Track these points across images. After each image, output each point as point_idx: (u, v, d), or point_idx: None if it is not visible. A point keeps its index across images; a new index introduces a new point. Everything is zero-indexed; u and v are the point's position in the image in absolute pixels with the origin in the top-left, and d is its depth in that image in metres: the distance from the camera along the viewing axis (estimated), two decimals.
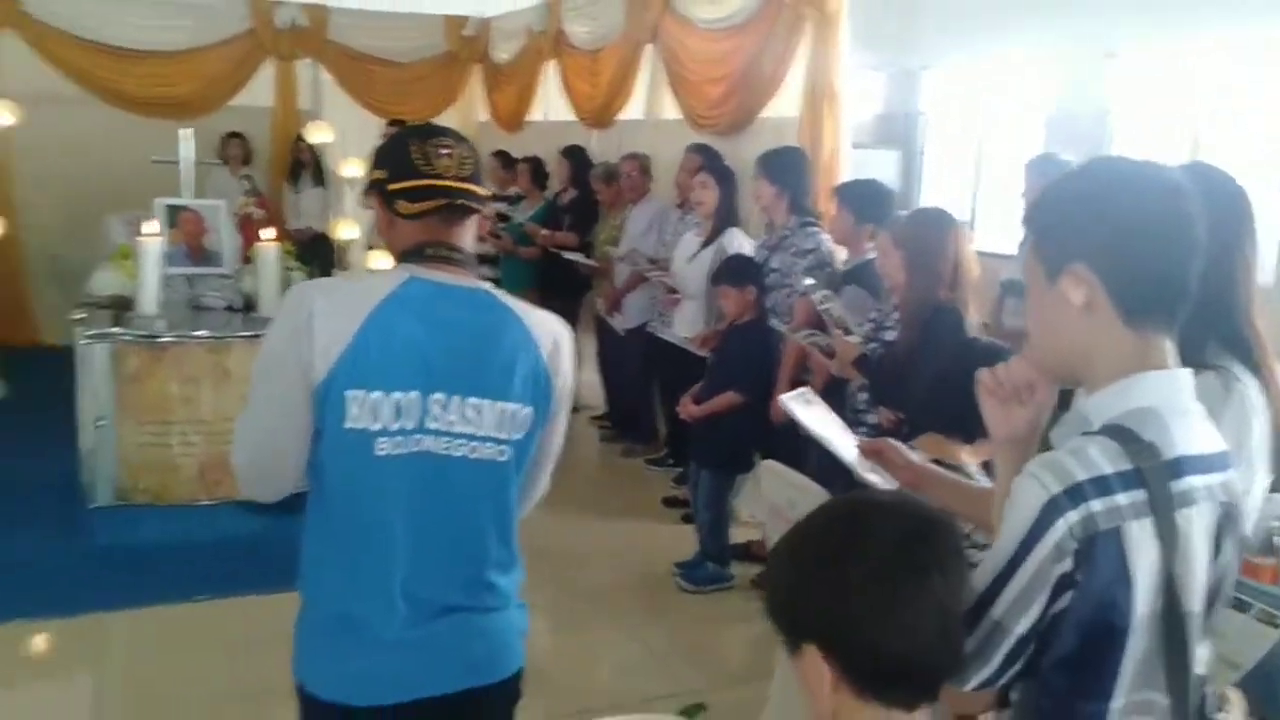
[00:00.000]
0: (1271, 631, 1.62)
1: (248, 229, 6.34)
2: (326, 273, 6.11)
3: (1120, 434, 1.22)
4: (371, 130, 8.11)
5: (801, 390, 2.41)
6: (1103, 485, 1.18)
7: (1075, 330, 1.29)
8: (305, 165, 8.47)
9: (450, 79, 9.46)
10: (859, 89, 5.55)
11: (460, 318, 1.77)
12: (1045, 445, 1.35)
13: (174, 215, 5.81)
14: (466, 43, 9.36)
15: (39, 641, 3.91)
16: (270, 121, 8.87)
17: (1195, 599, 1.23)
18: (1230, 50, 4.46)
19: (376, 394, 1.70)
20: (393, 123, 7.77)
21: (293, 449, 1.75)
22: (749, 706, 3.05)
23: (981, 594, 1.23)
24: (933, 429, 2.70)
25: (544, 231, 6.78)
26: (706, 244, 5.21)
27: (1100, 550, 1.18)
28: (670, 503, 5.44)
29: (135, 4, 8.00)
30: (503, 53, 8.96)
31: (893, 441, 1.89)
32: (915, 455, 1.86)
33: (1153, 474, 1.19)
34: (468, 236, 1.85)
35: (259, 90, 8.72)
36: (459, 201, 1.79)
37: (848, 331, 3.66)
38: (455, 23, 9.28)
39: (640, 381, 6.28)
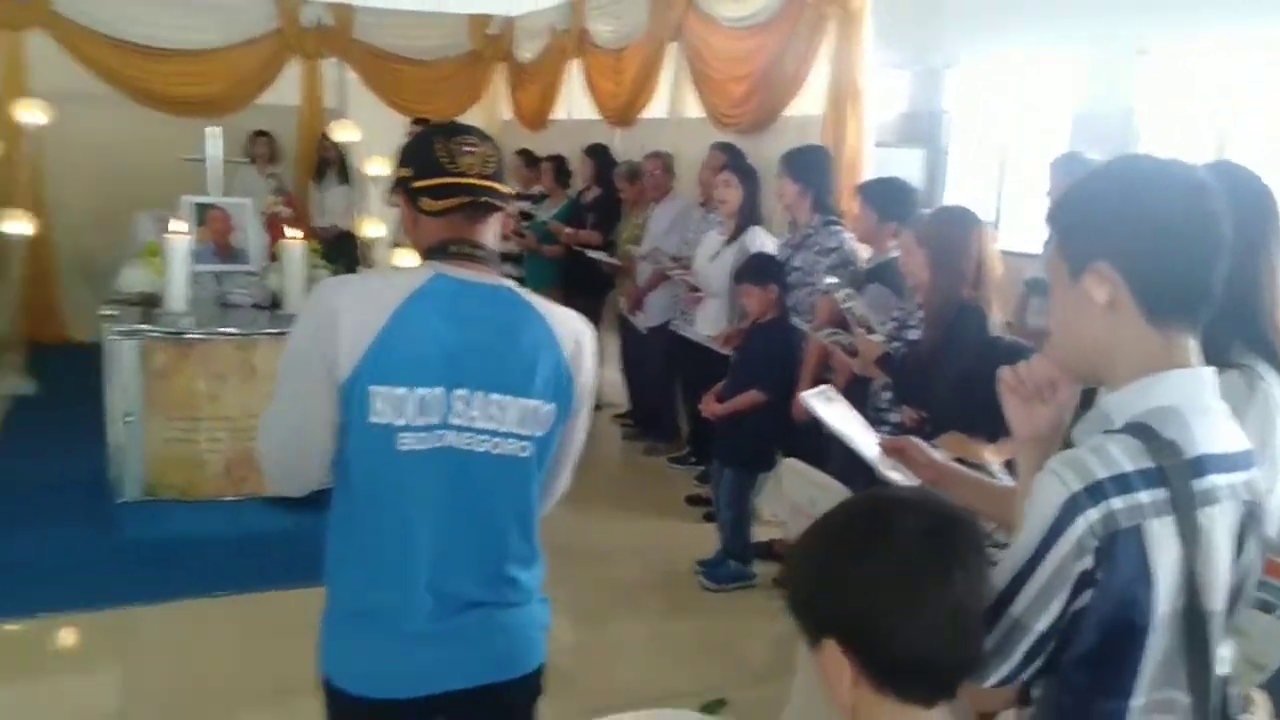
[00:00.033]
0: None
1: (274, 227, 6.38)
2: (351, 270, 6.14)
3: (1142, 432, 1.21)
4: (396, 129, 8.14)
5: (823, 388, 2.41)
6: (1123, 483, 1.18)
7: (1098, 329, 1.28)
8: (331, 163, 8.52)
9: (474, 78, 9.50)
10: (883, 87, 5.53)
11: (483, 315, 1.79)
12: (1067, 443, 1.34)
13: (202, 213, 5.85)
14: (490, 42, 9.40)
15: (67, 635, 3.96)
16: (296, 120, 8.93)
17: (1217, 598, 1.23)
18: (1263, 48, 4.42)
19: (401, 389, 1.71)
20: (417, 121, 7.81)
21: (318, 444, 1.76)
22: (771, 705, 3.05)
23: (1002, 591, 1.23)
24: (956, 428, 2.70)
25: (567, 230, 6.80)
26: (729, 242, 5.21)
27: (1121, 548, 1.17)
28: (693, 501, 5.44)
29: (164, 3, 8.08)
30: (526, 51, 8.99)
31: (914, 439, 1.89)
32: (937, 454, 1.86)
33: (1174, 472, 1.19)
34: (491, 234, 1.86)
35: (285, 89, 8.78)
36: (483, 199, 1.81)
37: (870, 330, 3.65)
38: (479, 22, 9.32)
39: (662, 380, 6.29)
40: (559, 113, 8.50)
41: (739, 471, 4.53)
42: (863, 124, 5.10)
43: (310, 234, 6.64)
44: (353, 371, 1.70)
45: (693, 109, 6.47)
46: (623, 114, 7.31)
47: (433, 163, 1.79)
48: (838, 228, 4.65)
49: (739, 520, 4.55)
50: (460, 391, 1.75)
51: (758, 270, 4.60)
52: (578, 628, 4.07)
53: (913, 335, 3.54)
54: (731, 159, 5.45)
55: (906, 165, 5.69)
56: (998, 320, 3.28)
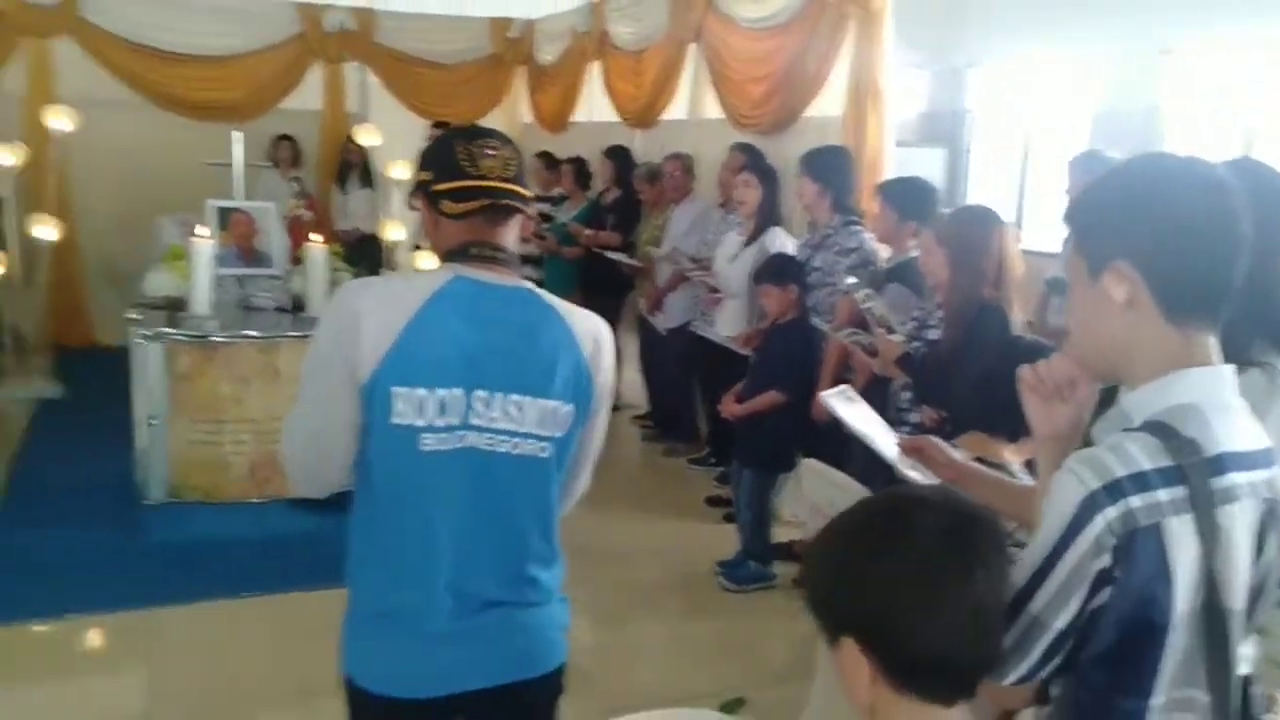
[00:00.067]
0: None
1: (297, 230, 6.43)
2: (374, 273, 6.18)
3: (1161, 430, 1.21)
4: (418, 132, 8.20)
5: (842, 388, 2.41)
6: (1142, 481, 1.18)
7: (1116, 327, 1.28)
8: (353, 167, 8.58)
9: (495, 81, 9.53)
10: (903, 87, 5.52)
11: (503, 316, 1.80)
12: (1087, 442, 1.34)
13: (225, 217, 5.90)
14: (511, 45, 9.43)
15: (94, 636, 4.00)
16: (319, 124, 8.99)
17: (1237, 596, 1.22)
18: None
19: (422, 391, 1.73)
20: (437, 124, 7.84)
21: (340, 445, 1.78)
22: (791, 706, 3.04)
23: (1020, 589, 1.23)
24: (976, 428, 2.70)
25: (587, 231, 6.82)
26: (749, 243, 5.21)
27: (1140, 546, 1.17)
28: (713, 502, 5.44)
29: (188, 10, 8.14)
30: (547, 54, 9.01)
31: (934, 439, 1.89)
32: (957, 453, 1.86)
33: (1193, 470, 1.19)
34: (511, 236, 1.87)
35: (308, 93, 8.84)
36: (503, 202, 1.82)
37: (890, 330, 3.64)
38: (500, 25, 9.35)
39: (682, 381, 6.29)
40: (579, 115, 8.52)
41: (759, 472, 4.53)
42: (883, 124, 5.08)
43: (332, 237, 6.70)
44: (374, 373, 1.71)
45: (712, 110, 6.47)
46: (642, 116, 7.32)
47: (453, 166, 1.81)
48: (857, 228, 4.64)
49: (759, 521, 4.55)
50: (480, 392, 1.76)
51: (777, 271, 4.60)
52: (598, 628, 4.08)
53: (933, 335, 3.54)
54: (751, 160, 5.45)
55: (928, 165, 5.67)
56: (1019, 320, 3.26)
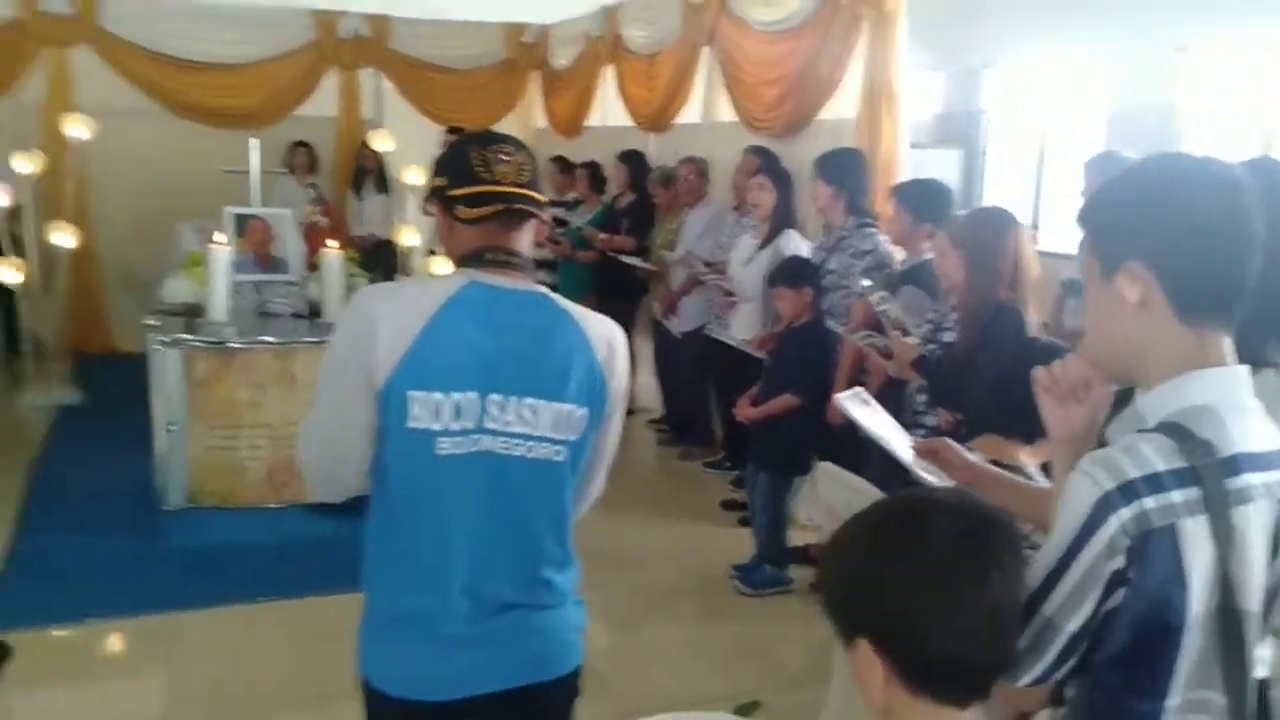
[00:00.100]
0: None
1: (313, 236, 6.46)
2: (389, 279, 6.20)
3: (1175, 431, 1.21)
4: (432, 138, 8.22)
5: (856, 390, 2.41)
6: (1156, 482, 1.18)
7: (1130, 328, 1.28)
8: (369, 173, 8.61)
9: (509, 86, 9.56)
10: (918, 88, 5.51)
11: (518, 320, 1.81)
12: (1103, 443, 1.34)
13: (242, 224, 5.93)
14: (525, 50, 9.45)
15: (113, 640, 4.03)
16: (334, 130, 9.04)
17: (1253, 598, 1.21)
18: None
19: (437, 395, 1.74)
20: (452, 130, 7.86)
21: (357, 450, 1.79)
22: (807, 710, 3.04)
23: (1034, 590, 1.23)
24: (992, 430, 2.69)
25: (602, 235, 6.83)
26: (763, 246, 5.21)
27: (1154, 547, 1.17)
28: (728, 505, 5.43)
29: (204, 18, 8.20)
30: (561, 59, 9.03)
31: (949, 441, 1.88)
32: (973, 456, 1.85)
33: (1207, 471, 1.18)
34: (525, 241, 1.88)
35: (323, 100, 8.89)
36: (517, 207, 1.82)
37: (905, 332, 3.63)
38: (514, 30, 9.37)
39: (697, 384, 6.29)
40: (593, 119, 8.54)
41: (774, 476, 4.52)
42: (897, 126, 5.08)
43: (348, 243, 6.72)
44: (390, 377, 1.72)
45: (726, 114, 6.47)
46: (656, 119, 7.33)
47: (468, 171, 1.82)
48: (872, 230, 4.64)
49: (774, 525, 4.54)
50: (495, 396, 1.77)
51: (791, 273, 4.59)
52: (613, 632, 4.08)
53: (948, 337, 3.53)
54: (765, 163, 5.45)
55: (943, 166, 5.66)
56: (1034, 321, 3.25)
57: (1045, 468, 2.38)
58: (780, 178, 5.22)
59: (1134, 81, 5.05)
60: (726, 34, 6.32)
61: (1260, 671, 1.25)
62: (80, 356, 7.51)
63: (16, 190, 6.80)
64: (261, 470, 5.13)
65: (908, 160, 5.11)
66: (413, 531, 1.80)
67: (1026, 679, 1.24)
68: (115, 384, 6.46)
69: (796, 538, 4.67)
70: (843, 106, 5.38)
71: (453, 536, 1.79)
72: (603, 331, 1.89)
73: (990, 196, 5.97)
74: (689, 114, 7.00)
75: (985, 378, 3.11)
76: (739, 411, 4.62)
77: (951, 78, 6.21)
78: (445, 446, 1.75)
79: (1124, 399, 1.38)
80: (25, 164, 6.83)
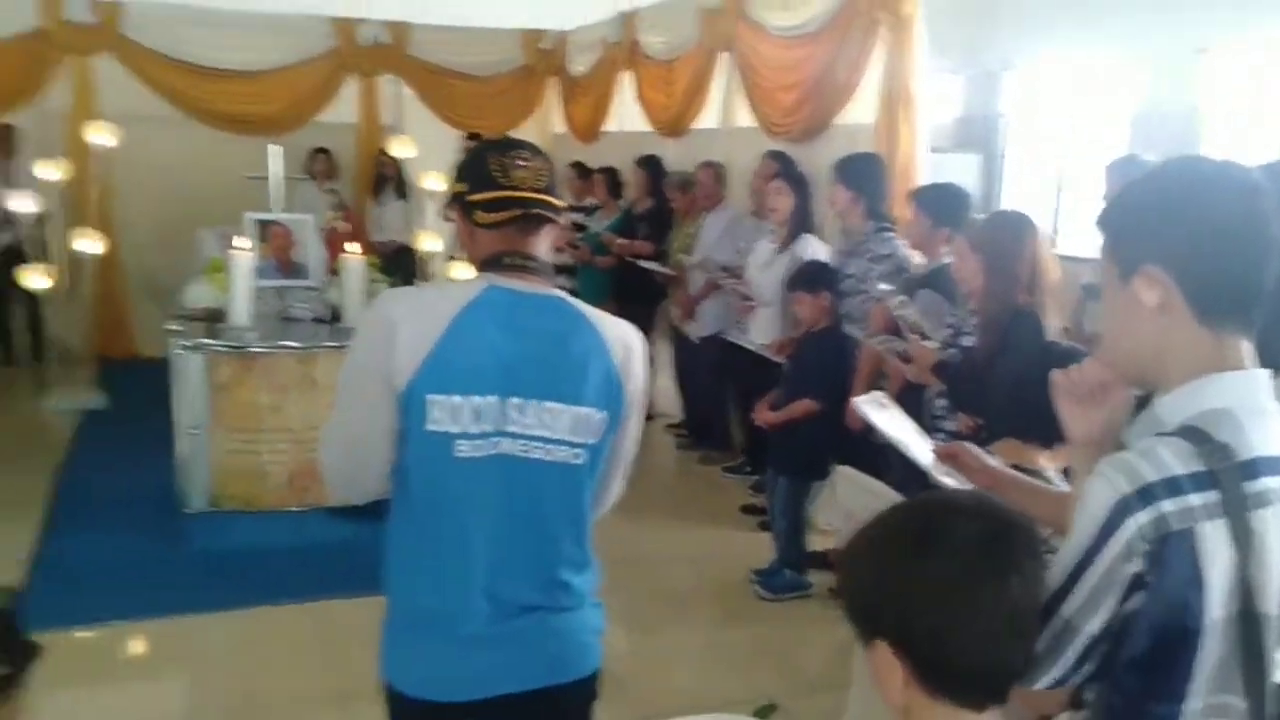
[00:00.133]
0: None
1: (333, 242, 6.49)
2: (409, 284, 6.23)
3: (1193, 435, 1.21)
4: (451, 144, 8.27)
5: (875, 394, 2.41)
6: (1174, 486, 1.17)
7: (1148, 331, 1.28)
8: (389, 179, 8.66)
9: (527, 92, 9.59)
10: (936, 92, 5.49)
11: (536, 324, 1.82)
12: (1122, 447, 1.34)
13: (264, 230, 5.97)
14: (543, 56, 9.49)
15: (136, 642, 4.05)
16: (354, 137, 9.08)
17: (1272, 602, 1.21)
18: None
19: (457, 398, 1.75)
20: (471, 136, 7.90)
21: (377, 453, 1.81)
22: (825, 714, 3.04)
23: (1053, 593, 1.23)
24: (1012, 434, 2.67)
25: (620, 240, 6.84)
26: (781, 251, 5.21)
27: (1172, 551, 1.17)
28: (748, 510, 5.44)
29: (226, 26, 8.25)
30: (579, 65, 9.05)
31: (969, 445, 1.88)
32: (992, 460, 1.85)
33: (1226, 475, 1.18)
34: (544, 246, 1.90)
35: (343, 107, 8.93)
36: (535, 211, 1.84)
37: (924, 337, 3.63)
38: (532, 37, 9.40)
39: (715, 389, 6.29)
40: (611, 125, 8.55)
41: (793, 480, 4.52)
42: (915, 130, 5.07)
43: (368, 248, 6.75)
44: (410, 381, 1.74)
45: (744, 119, 6.47)
46: (674, 125, 7.34)
47: (486, 177, 1.83)
48: (890, 234, 4.63)
49: (794, 529, 4.54)
50: (515, 400, 1.78)
51: (810, 278, 4.59)
52: (632, 635, 4.09)
53: (967, 341, 3.52)
54: (783, 167, 5.46)
55: (962, 170, 5.64)
56: (1054, 325, 3.24)
57: (1065, 472, 2.37)
58: (798, 182, 5.22)
59: (1155, 84, 5.03)
60: (744, 39, 6.33)
61: None
62: (104, 361, 7.57)
63: (43, 197, 6.88)
64: (283, 474, 5.16)
65: (926, 164, 5.10)
66: (433, 534, 1.82)
67: (1045, 681, 1.24)
68: (138, 388, 6.51)
69: (816, 542, 4.66)
70: (861, 111, 5.38)
71: (472, 538, 1.80)
72: (619, 334, 1.90)
73: (1009, 201, 5.94)
74: (707, 119, 7.01)
75: (1004, 382, 3.09)
76: (758, 416, 4.63)
77: (970, 81, 6.18)
78: (464, 449, 1.77)
79: (1145, 403, 1.38)
80: (51, 171, 6.91)
